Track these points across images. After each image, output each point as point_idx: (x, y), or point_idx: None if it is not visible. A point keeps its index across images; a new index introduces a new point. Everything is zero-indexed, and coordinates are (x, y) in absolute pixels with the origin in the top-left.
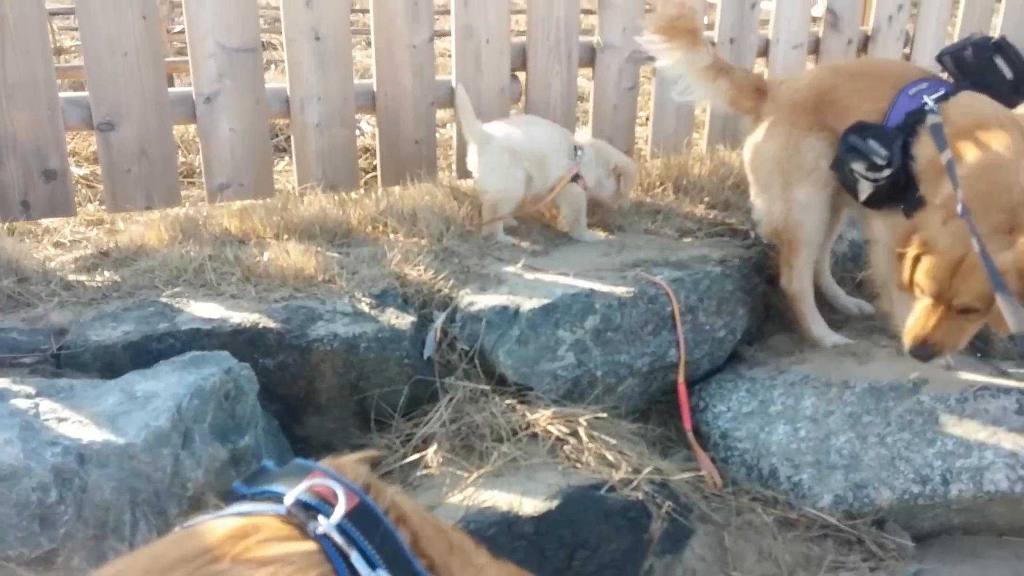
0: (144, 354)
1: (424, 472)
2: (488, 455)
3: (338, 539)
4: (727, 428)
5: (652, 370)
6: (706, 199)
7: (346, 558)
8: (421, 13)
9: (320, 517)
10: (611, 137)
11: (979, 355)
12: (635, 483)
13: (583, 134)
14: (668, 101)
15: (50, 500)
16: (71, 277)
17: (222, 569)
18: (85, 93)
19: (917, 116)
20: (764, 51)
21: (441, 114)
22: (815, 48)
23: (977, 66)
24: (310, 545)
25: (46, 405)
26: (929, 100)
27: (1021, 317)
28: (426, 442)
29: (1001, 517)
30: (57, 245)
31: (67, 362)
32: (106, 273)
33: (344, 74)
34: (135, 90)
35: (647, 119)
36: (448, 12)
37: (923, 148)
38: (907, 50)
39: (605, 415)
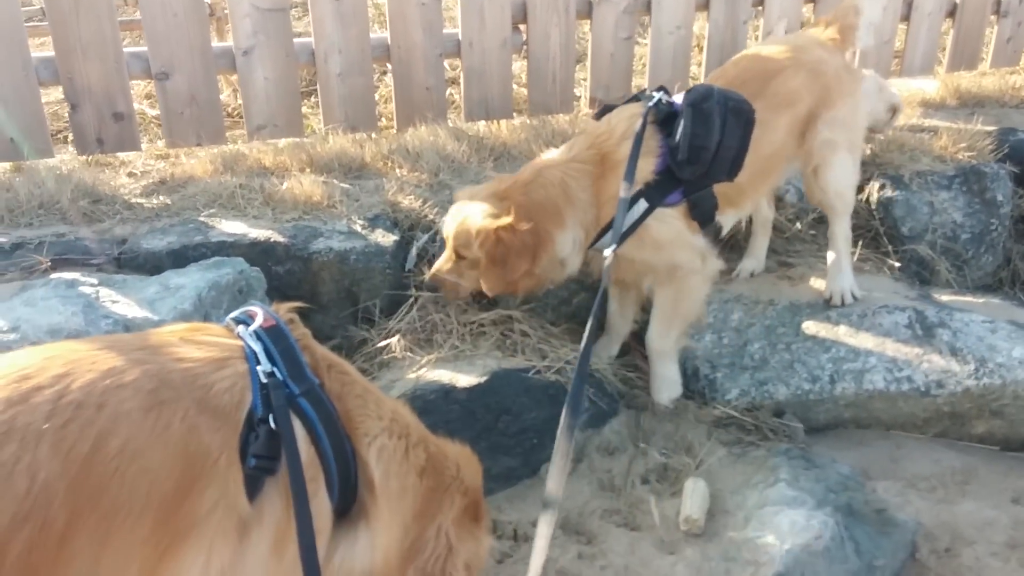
0: (182, 259)
1: (390, 356)
2: (442, 346)
3: (250, 340)
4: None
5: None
6: None
7: (255, 353)
8: None
9: (243, 326)
10: (609, 85)
11: (919, 283)
12: (556, 368)
13: (867, 70)
14: (663, 48)
15: None
16: (133, 200)
17: (172, 342)
18: (145, 48)
19: None
20: (760, 0)
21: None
22: None
23: None
24: (235, 341)
25: (104, 292)
26: None
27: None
28: (401, 335)
29: (884, 413)
30: (130, 175)
31: (125, 264)
32: (160, 197)
33: (361, 29)
34: (184, 45)
35: (644, 66)
36: None
37: None
38: None
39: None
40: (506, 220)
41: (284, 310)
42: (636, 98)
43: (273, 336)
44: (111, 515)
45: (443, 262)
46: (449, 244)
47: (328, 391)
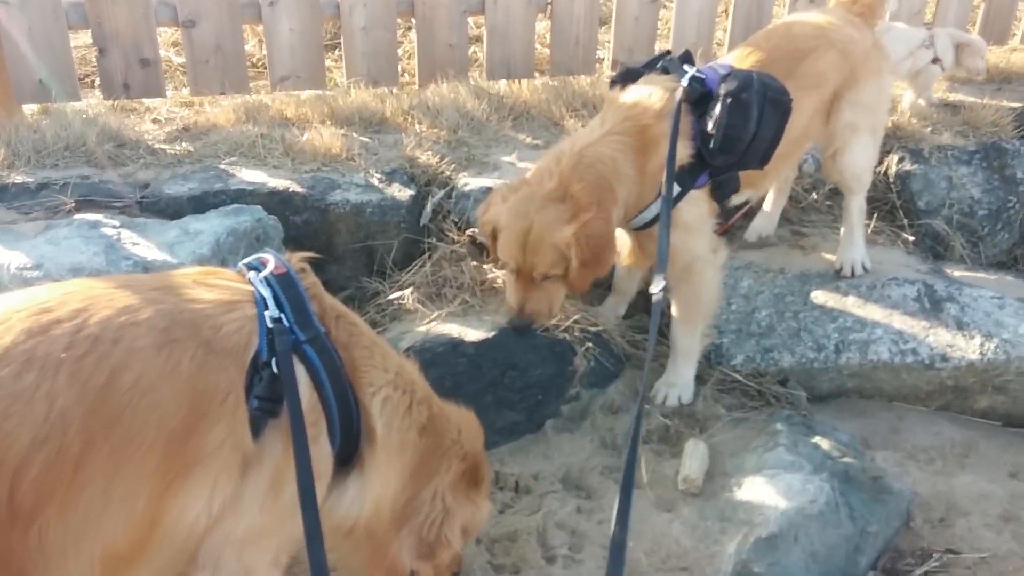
0: (202, 205)
1: (401, 308)
2: (453, 300)
3: (260, 285)
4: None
5: None
6: None
7: (263, 298)
8: None
9: (254, 272)
10: (632, 48)
11: (933, 257)
12: (564, 327)
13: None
14: (689, 12)
15: None
16: (156, 146)
17: (186, 284)
18: None
19: None
20: None
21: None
22: None
23: None
24: (247, 286)
25: (125, 234)
26: None
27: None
28: (414, 288)
29: (887, 384)
30: (154, 121)
31: (147, 208)
32: (184, 144)
33: None
34: None
35: (669, 30)
36: None
37: None
38: None
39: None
40: (586, 216)
41: (296, 259)
42: (658, 62)
43: (283, 283)
44: (123, 445)
45: (519, 295)
46: (523, 271)
47: (334, 340)
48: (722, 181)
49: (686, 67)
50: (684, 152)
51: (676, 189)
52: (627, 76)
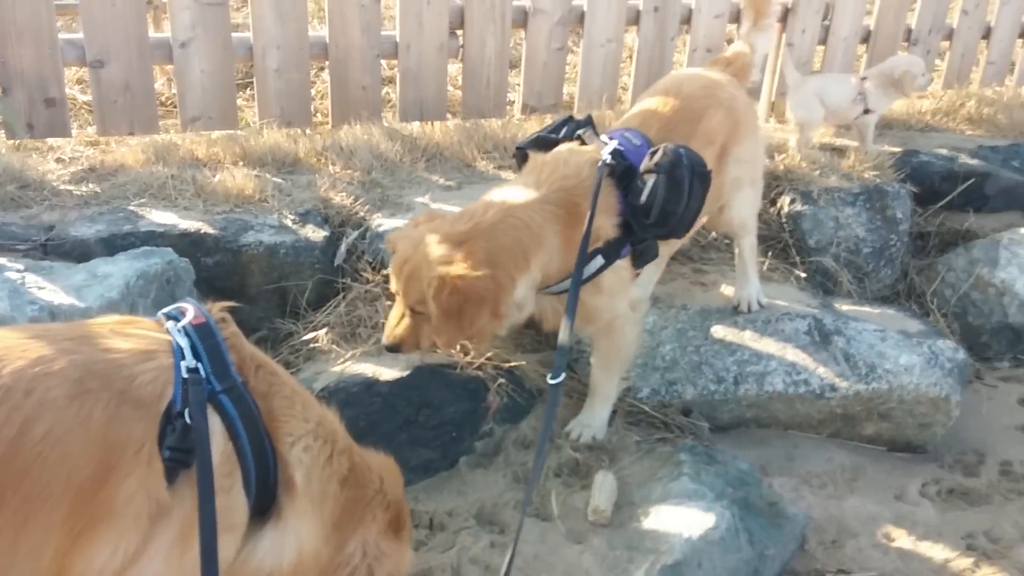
0: (111, 248)
1: (316, 349)
2: (367, 340)
3: (177, 335)
4: (584, 337)
5: None
6: None
7: (180, 348)
8: None
9: (172, 322)
10: (541, 92)
11: (823, 292)
12: (477, 364)
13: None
14: (594, 59)
15: None
16: (62, 187)
17: (102, 333)
18: (80, 35)
19: None
20: (687, 19)
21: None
22: (736, 18)
23: None
24: (164, 335)
25: (31, 278)
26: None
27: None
28: (327, 329)
29: (782, 413)
30: (58, 160)
31: (52, 251)
32: (90, 185)
33: (300, 27)
34: (121, 35)
35: (576, 74)
36: None
37: None
38: (826, 22)
39: None
40: (459, 268)
41: (216, 308)
42: (564, 128)
43: (201, 333)
44: (31, 498)
45: (396, 321)
46: (400, 298)
47: (253, 390)
48: (642, 249)
49: (605, 138)
50: (611, 226)
51: (601, 261)
52: (538, 143)
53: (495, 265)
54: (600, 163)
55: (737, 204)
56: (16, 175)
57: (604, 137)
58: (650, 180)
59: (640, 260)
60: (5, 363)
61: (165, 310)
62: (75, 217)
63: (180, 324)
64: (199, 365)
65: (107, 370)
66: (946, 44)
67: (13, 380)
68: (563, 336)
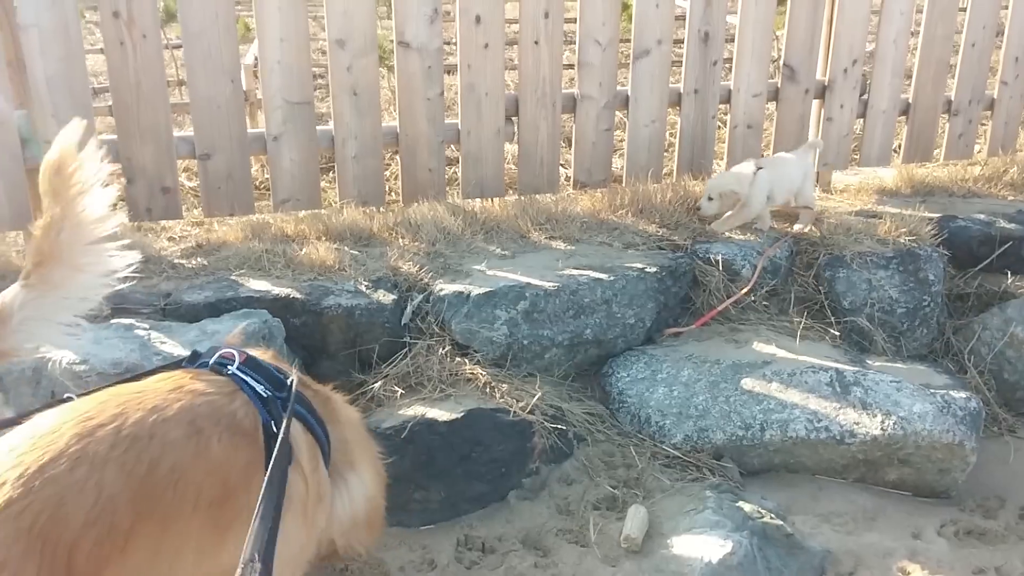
0: (216, 311)
1: (384, 396)
2: (428, 388)
3: (240, 373)
4: (623, 388)
5: (572, 344)
6: (658, 219)
7: (244, 382)
8: (433, 74)
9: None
10: (591, 168)
11: (858, 351)
12: (528, 408)
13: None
14: (640, 139)
15: None
16: (175, 260)
17: (191, 383)
18: (191, 132)
19: None
20: (727, 99)
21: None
22: (774, 96)
23: None
24: (223, 378)
25: (155, 335)
26: None
27: None
28: (395, 379)
29: (807, 458)
30: (170, 239)
31: (169, 313)
32: (198, 259)
33: (374, 120)
34: (225, 132)
35: (623, 151)
36: (456, 72)
37: None
38: (864, 97)
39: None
40: None
41: (241, 348)
42: None
43: (250, 365)
44: (168, 516)
45: None
46: None
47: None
48: None
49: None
50: None
51: None
52: None
53: None
54: None
55: None
56: (137, 252)
57: None
58: None
59: None
60: (128, 415)
61: (211, 360)
62: (187, 286)
63: (234, 367)
64: (262, 387)
65: (210, 411)
66: (987, 113)
67: (137, 428)
68: None
